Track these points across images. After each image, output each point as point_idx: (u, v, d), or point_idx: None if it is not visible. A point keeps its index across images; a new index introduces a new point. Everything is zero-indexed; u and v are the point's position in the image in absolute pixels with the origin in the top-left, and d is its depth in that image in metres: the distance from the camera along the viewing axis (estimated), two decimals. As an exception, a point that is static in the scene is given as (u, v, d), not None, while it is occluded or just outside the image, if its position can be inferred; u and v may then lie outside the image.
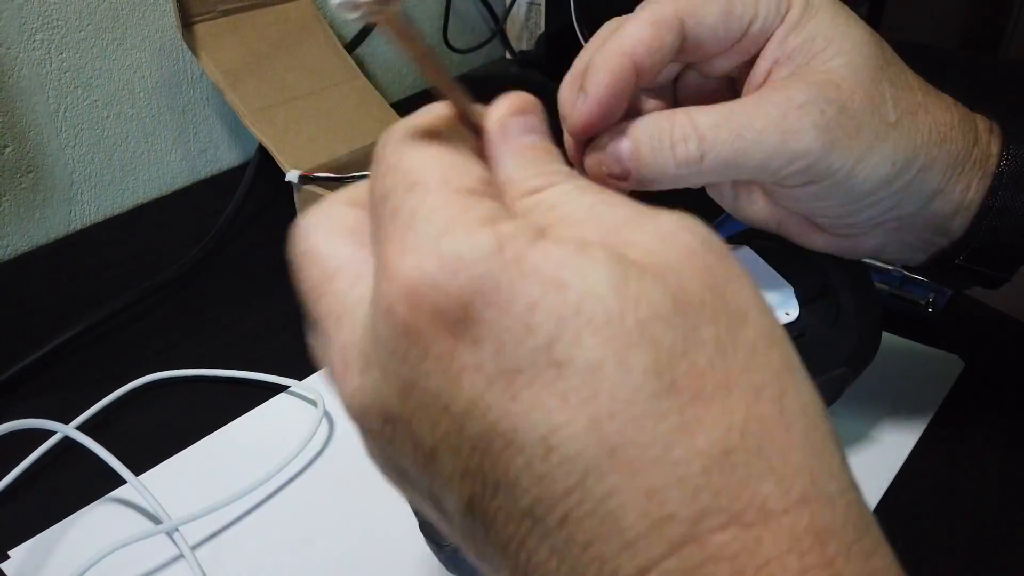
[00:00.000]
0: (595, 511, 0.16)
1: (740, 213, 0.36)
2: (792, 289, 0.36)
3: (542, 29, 0.93)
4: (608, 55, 0.29)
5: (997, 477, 0.41)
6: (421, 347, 0.17)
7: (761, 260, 0.37)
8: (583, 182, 0.19)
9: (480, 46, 0.95)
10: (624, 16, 0.31)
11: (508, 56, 0.99)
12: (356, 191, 0.22)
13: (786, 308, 0.35)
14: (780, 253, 0.37)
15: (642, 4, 0.31)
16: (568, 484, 0.16)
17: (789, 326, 0.36)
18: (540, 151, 0.20)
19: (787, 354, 0.18)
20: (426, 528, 0.37)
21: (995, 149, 0.34)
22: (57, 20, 0.60)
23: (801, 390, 0.17)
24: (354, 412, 0.19)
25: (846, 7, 0.32)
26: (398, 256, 0.17)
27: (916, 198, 0.33)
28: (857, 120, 0.31)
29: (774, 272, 0.36)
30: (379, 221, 0.19)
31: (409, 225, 0.18)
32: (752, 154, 0.30)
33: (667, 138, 0.30)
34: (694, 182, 0.31)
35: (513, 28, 0.99)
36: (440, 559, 0.37)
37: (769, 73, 0.32)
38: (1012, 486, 0.40)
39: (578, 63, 0.31)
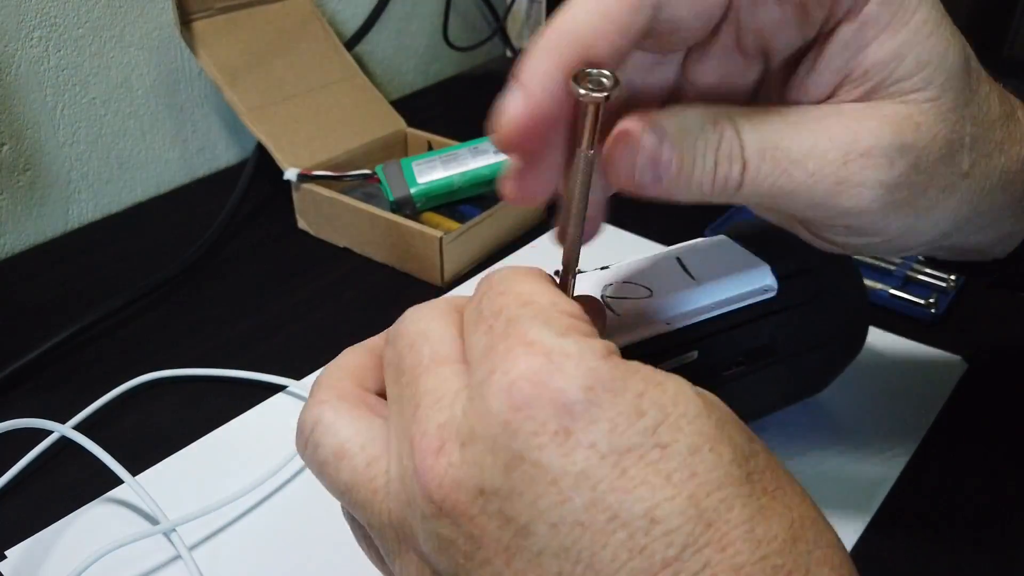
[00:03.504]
0: None
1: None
2: (768, 267, 0.35)
3: (543, 26, 0.93)
4: (554, 34, 0.23)
5: (1000, 479, 0.41)
6: (538, 423, 0.19)
7: (736, 244, 0.37)
8: None
9: (480, 44, 0.94)
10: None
11: (508, 54, 0.99)
12: (454, 302, 0.24)
13: (764, 283, 0.35)
14: (755, 241, 0.37)
15: None
16: (667, 556, 0.18)
17: (770, 302, 0.35)
18: None
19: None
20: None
21: None
22: (55, 17, 0.60)
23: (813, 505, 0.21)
24: (444, 487, 0.20)
25: (945, 13, 0.25)
26: (522, 348, 0.20)
27: (961, 240, 0.29)
28: (929, 174, 0.25)
29: (750, 254, 0.36)
30: (491, 331, 0.21)
31: (529, 328, 0.20)
32: (796, 198, 0.25)
33: (712, 153, 0.24)
34: (719, 203, 0.26)
35: (514, 25, 0.99)
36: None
37: (836, 88, 0.25)
38: (1015, 488, 0.40)
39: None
